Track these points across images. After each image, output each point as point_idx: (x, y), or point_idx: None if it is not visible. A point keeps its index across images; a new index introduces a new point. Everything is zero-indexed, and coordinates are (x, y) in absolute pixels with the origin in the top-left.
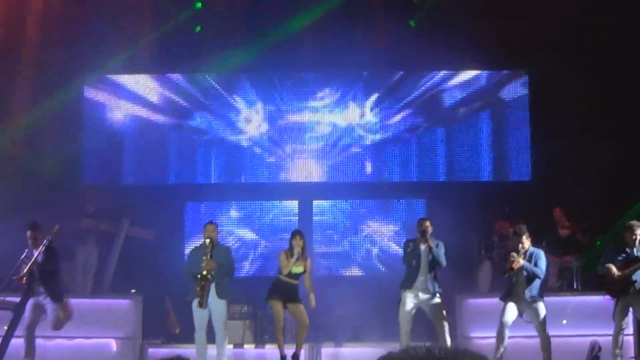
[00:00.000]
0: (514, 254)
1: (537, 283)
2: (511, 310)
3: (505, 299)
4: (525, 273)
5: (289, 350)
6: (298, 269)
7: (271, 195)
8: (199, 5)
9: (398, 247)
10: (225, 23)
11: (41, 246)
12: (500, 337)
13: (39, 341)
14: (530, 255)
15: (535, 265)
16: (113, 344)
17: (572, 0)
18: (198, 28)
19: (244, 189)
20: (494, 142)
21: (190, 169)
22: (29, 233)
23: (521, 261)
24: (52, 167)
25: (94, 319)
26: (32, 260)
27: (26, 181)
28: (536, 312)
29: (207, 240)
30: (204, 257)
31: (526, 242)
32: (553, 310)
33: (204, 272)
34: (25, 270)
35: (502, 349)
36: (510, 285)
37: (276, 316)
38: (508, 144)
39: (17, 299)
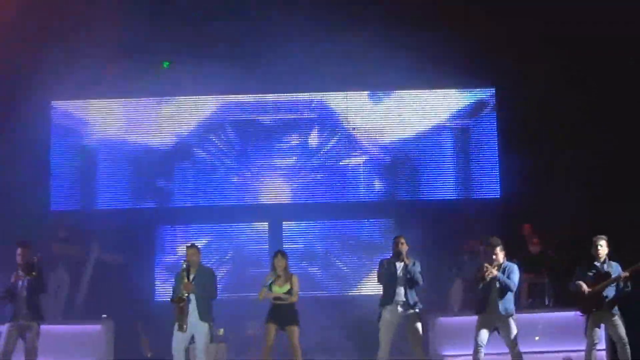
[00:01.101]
0: (487, 265)
1: (510, 296)
2: (484, 331)
3: (479, 312)
4: (498, 285)
5: None
6: (283, 289)
7: (242, 218)
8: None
9: (369, 266)
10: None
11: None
12: (475, 357)
13: None
14: (504, 268)
15: (508, 278)
16: None
17: (536, 15)
18: (166, 63)
19: (215, 211)
20: (462, 159)
21: (161, 192)
22: (18, 250)
23: (494, 272)
24: (21, 192)
25: (65, 344)
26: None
27: None
28: (508, 327)
29: (184, 264)
30: (183, 280)
31: (500, 254)
32: (525, 327)
33: (183, 295)
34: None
35: None
36: (482, 298)
37: (266, 339)
38: (476, 161)
39: None
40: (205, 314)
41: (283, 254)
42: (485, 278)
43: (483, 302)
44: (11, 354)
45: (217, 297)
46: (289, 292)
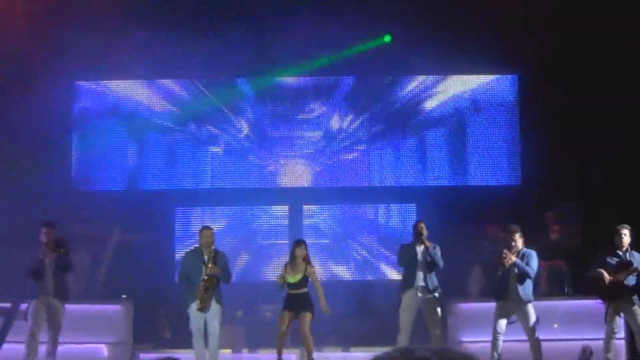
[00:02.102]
0: (506, 251)
1: (528, 283)
2: (503, 318)
3: (498, 298)
4: (516, 271)
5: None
6: (295, 278)
7: (261, 201)
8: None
9: (389, 252)
10: (218, 29)
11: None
12: (494, 345)
13: (20, 347)
14: (523, 255)
15: (527, 264)
16: (104, 349)
17: (560, 5)
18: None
19: (234, 194)
20: (484, 146)
21: (180, 175)
22: (43, 229)
23: (513, 258)
24: (44, 172)
25: (85, 324)
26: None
27: (18, 187)
28: (526, 314)
29: (210, 247)
30: (208, 263)
31: (519, 241)
32: (543, 315)
33: (209, 276)
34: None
35: (496, 356)
36: (501, 284)
37: (279, 327)
38: (498, 147)
39: (5, 305)
40: (219, 297)
41: (300, 243)
42: (504, 265)
43: (502, 288)
44: (39, 331)
45: (235, 280)
46: (302, 281)
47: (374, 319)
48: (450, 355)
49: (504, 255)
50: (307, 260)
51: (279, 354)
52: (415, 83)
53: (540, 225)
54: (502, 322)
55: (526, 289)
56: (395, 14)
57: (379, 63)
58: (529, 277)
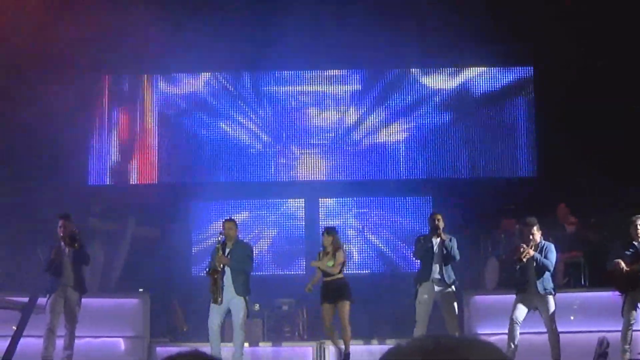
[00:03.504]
0: (524, 245)
1: (548, 276)
2: (521, 307)
3: (518, 291)
4: (535, 264)
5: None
6: (329, 265)
7: (277, 194)
8: None
9: (405, 244)
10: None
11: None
12: (511, 334)
13: (39, 341)
14: (542, 248)
15: (546, 257)
16: (121, 343)
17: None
18: None
19: (250, 187)
20: (500, 138)
21: (196, 168)
22: (60, 222)
23: (531, 252)
24: (60, 166)
25: (101, 318)
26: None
27: (33, 181)
28: (546, 306)
29: (232, 239)
30: (219, 252)
31: (537, 234)
32: (560, 307)
33: (215, 267)
34: (55, 250)
35: (513, 346)
36: (521, 278)
37: (324, 321)
38: (513, 140)
39: (22, 299)
40: (241, 288)
41: (329, 231)
42: (522, 260)
43: (522, 281)
44: (58, 325)
45: (253, 273)
46: (337, 268)
47: (390, 312)
48: (473, 344)
49: (521, 249)
50: (337, 246)
51: (335, 345)
52: (431, 75)
53: (555, 218)
54: (520, 310)
55: (546, 282)
56: (411, 3)
57: (393, 55)
58: (548, 270)
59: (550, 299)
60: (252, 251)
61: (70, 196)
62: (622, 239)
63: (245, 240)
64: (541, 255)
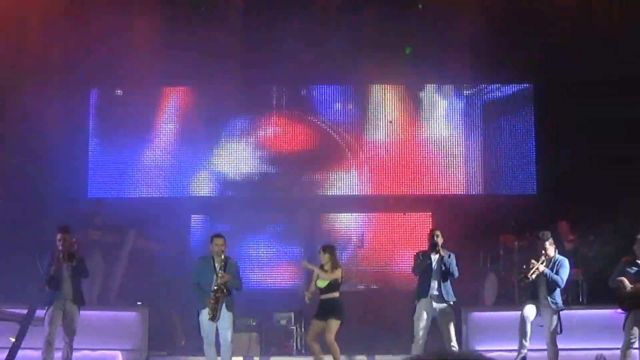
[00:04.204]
0: (534, 262)
1: (558, 292)
2: (531, 307)
3: (527, 300)
4: (546, 280)
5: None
6: (325, 282)
7: (277, 208)
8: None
9: (405, 260)
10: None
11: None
12: (522, 331)
13: (37, 353)
14: (554, 262)
15: (557, 273)
16: (119, 356)
17: (576, 16)
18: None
19: (250, 202)
20: (500, 155)
21: (195, 183)
22: (59, 235)
23: (541, 268)
24: (60, 179)
25: (100, 331)
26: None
27: (33, 193)
28: (551, 321)
29: (222, 255)
30: (219, 271)
31: (550, 249)
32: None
33: (219, 286)
34: (54, 267)
35: (525, 343)
36: (532, 291)
37: (309, 332)
38: (513, 157)
39: (20, 310)
40: (230, 304)
41: (325, 248)
42: (528, 277)
43: (533, 294)
44: (56, 337)
45: (249, 288)
46: (329, 286)
47: (389, 327)
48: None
49: (530, 266)
50: (335, 264)
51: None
52: (432, 92)
53: (555, 235)
54: (530, 310)
55: (555, 297)
56: (412, 23)
57: (394, 72)
58: (558, 286)
59: (556, 315)
60: (239, 268)
61: (70, 208)
62: (622, 256)
63: (231, 257)
64: (552, 271)
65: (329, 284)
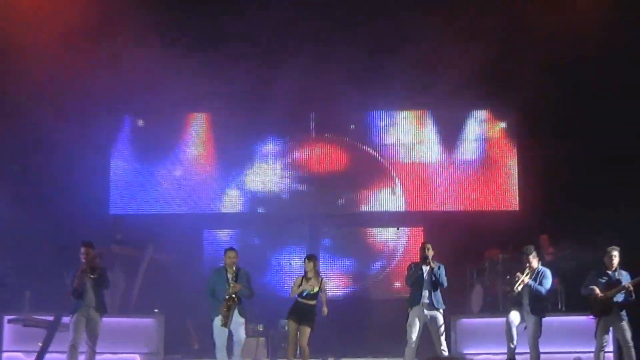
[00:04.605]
0: (519, 274)
1: (541, 301)
2: (515, 314)
3: (511, 306)
4: (529, 290)
5: None
6: (315, 290)
7: (282, 224)
8: None
9: (399, 271)
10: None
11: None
12: (509, 335)
13: (62, 357)
14: (538, 273)
15: (540, 283)
16: (138, 359)
17: (554, 51)
18: None
19: (258, 217)
20: (485, 175)
21: (206, 200)
22: (82, 249)
23: (526, 280)
24: (84, 197)
25: (120, 336)
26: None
27: (60, 211)
28: (534, 326)
29: (233, 267)
30: (230, 281)
31: (533, 261)
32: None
33: (232, 295)
34: (77, 280)
35: (512, 346)
36: (516, 298)
37: (290, 334)
38: (498, 177)
39: (47, 318)
40: (243, 311)
41: (310, 257)
42: (514, 290)
43: (517, 302)
44: (80, 342)
45: (256, 296)
46: (317, 294)
47: (383, 333)
48: None
49: (516, 279)
50: (317, 272)
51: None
52: (422, 116)
53: (536, 248)
54: (515, 316)
55: (538, 305)
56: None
57: (386, 98)
58: (541, 294)
59: (537, 320)
60: (250, 277)
61: (94, 224)
62: (596, 268)
63: (243, 267)
64: (536, 282)
65: (316, 293)
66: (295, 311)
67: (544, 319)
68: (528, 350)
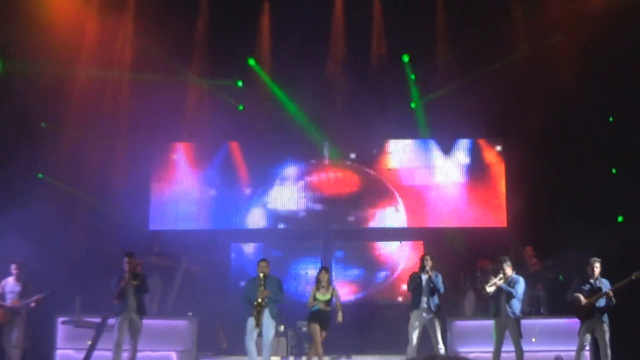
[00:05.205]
0: (492, 277)
1: (515, 302)
2: (499, 331)
3: (494, 316)
4: (504, 293)
5: None
6: (325, 297)
7: (299, 238)
8: (239, 83)
9: (402, 279)
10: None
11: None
12: (495, 352)
13: (108, 354)
14: (510, 280)
15: (513, 288)
16: (174, 356)
17: (537, 81)
18: (241, 107)
19: (278, 233)
20: (477, 196)
21: (233, 217)
22: (125, 259)
23: (499, 283)
24: (126, 214)
25: (158, 336)
26: (127, 279)
27: (106, 226)
28: (514, 327)
29: (262, 275)
30: (260, 287)
31: (507, 270)
32: (524, 330)
33: (259, 300)
34: (123, 284)
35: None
36: (495, 304)
37: (316, 336)
38: (488, 197)
39: (95, 319)
40: (274, 313)
41: (326, 269)
42: (486, 289)
43: (497, 308)
44: (123, 341)
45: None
46: (330, 301)
47: (388, 333)
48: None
49: (490, 281)
50: (329, 282)
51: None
52: (424, 145)
53: (522, 259)
54: (499, 335)
55: (513, 308)
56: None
57: (397, 129)
58: (513, 296)
59: (516, 323)
60: (282, 283)
61: (135, 238)
62: (579, 276)
63: (274, 275)
64: (508, 286)
65: (330, 299)
66: (317, 316)
67: (527, 321)
68: (513, 350)
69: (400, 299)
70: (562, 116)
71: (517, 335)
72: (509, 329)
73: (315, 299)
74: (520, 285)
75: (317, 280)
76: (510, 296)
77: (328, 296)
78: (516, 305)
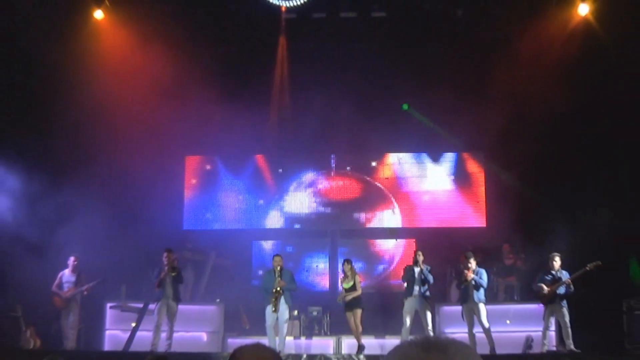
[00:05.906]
0: (466, 271)
1: (482, 290)
2: (468, 314)
3: (463, 302)
4: (473, 283)
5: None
6: (349, 284)
7: (310, 236)
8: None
9: (397, 271)
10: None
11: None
12: (470, 333)
13: (149, 334)
14: (476, 272)
15: (480, 278)
16: (204, 336)
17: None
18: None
19: (292, 232)
20: (461, 200)
21: (255, 219)
22: (165, 254)
23: (471, 275)
24: (162, 216)
25: (191, 319)
26: (166, 271)
27: (148, 227)
28: (479, 310)
29: (278, 267)
30: (277, 278)
31: (473, 263)
32: (500, 315)
33: (277, 289)
34: (163, 275)
35: (473, 336)
36: (464, 293)
37: (350, 322)
38: (470, 201)
39: (138, 305)
40: (288, 300)
41: (348, 261)
42: (467, 280)
43: (465, 295)
44: (162, 323)
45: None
46: (353, 287)
47: (385, 317)
48: (453, 343)
49: (464, 274)
50: (354, 272)
51: (357, 339)
52: (413, 157)
53: (499, 255)
54: (469, 317)
55: (479, 294)
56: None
57: (398, 144)
58: (482, 286)
59: (482, 306)
60: (293, 275)
61: (171, 236)
62: (543, 268)
63: (287, 268)
64: (477, 277)
65: (352, 286)
66: (345, 306)
67: (501, 307)
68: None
69: (395, 288)
70: (535, 136)
71: (481, 316)
72: (476, 312)
73: (341, 285)
74: (484, 276)
75: (343, 272)
76: (478, 285)
77: (351, 283)
78: (482, 292)
